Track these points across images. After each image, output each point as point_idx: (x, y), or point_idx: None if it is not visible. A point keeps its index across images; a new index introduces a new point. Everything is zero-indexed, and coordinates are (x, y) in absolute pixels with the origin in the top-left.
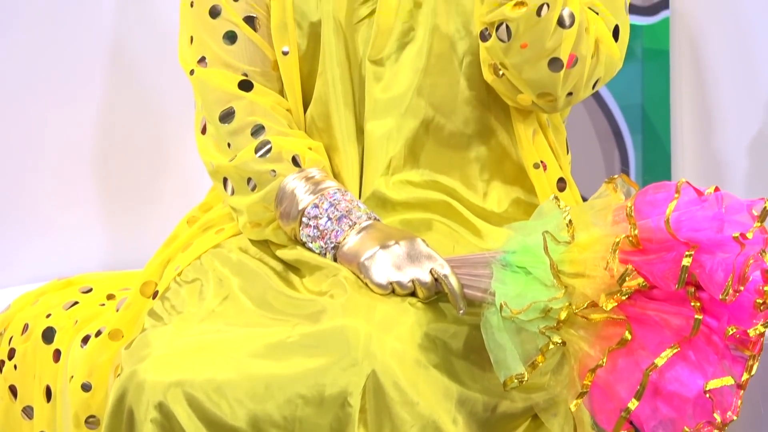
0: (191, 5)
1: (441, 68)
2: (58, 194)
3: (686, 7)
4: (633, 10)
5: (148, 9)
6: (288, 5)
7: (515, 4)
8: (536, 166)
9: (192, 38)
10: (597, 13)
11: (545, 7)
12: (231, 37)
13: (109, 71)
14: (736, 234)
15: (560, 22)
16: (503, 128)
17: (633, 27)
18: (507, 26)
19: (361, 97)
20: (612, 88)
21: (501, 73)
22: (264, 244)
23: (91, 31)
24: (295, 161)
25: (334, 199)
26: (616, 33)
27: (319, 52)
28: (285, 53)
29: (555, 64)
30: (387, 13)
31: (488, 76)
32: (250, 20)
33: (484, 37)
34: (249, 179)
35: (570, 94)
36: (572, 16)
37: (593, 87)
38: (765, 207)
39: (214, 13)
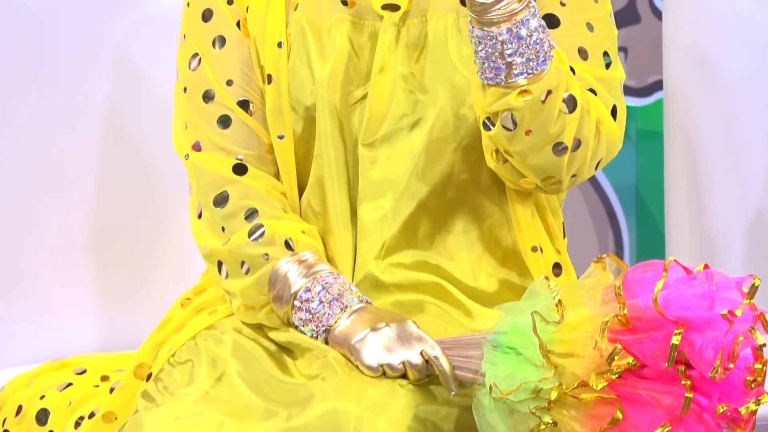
0: (184, 90)
1: (437, 152)
2: (52, 275)
3: (680, 88)
4: (627, 91)
5: (144, 83)
6: (283, 90)
7: (519, 93)
8: (534, 249)
9: (186, 123)
10: (595, 94)
11: (549, 93)
12: (225, 122)
13: (104, 148)
14: (725, 311)
15: (563, 108)
16: (500, 211)
17: (627, 108)
18: (512, 115)
19: (355, 180)
20: (606, 168)
21: (504, 160)
22: (257, 325)
23: (86, 107)
24: (287, 245)
25: (326, 283)
26: (614, 113)
27: (315, 136)
28: (280, 138)
29: (559, 148)
30: (379, 98)
31: (491, 162)
32: (244, 104)
33: (487, 126)
34: (242, 262)
35: (574, 176)
36: (574, 101)
37: (596, 167)
38: (754, 284)
39: (208, 97)
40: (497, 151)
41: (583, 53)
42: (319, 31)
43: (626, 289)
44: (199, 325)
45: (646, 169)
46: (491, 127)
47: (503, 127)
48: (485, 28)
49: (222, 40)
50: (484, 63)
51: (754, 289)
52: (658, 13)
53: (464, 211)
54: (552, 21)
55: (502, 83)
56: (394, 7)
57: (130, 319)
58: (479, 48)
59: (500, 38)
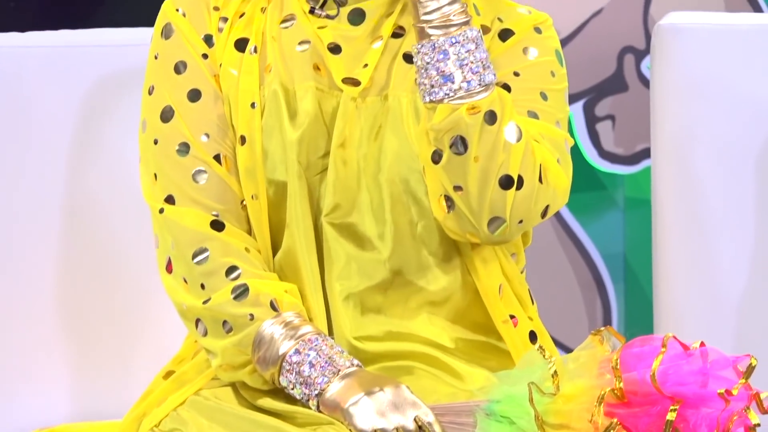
0: (155, 142)
1: (398, 233)
2: (34, 345)
3: (668, 156)
4: (615, 159)
5: (109, 161)
6: (257, 151)
7: (468, 109)
8: (505, 321)
9: (156, 175)
10: (538, 143)
11: (494, 115)
12: (201, 176)
13: (70, 222)
14: (722, 390)
15: (508, 136)
16: (465, 288)
17: (615, 176)
18: (461, 137)
19: (323, 252)
20: (594, 236)
21: (450, 205)
22: (239, 393)
23: (49, 187)
24: (272, 305)
25: (316, 345)
26: (562, 157)
27: (286, 201)
28: (254, 198)
29: (505, 181)
30: (339, 175)
31: (439, 213)
32: (219, 158)
33: (436, 158)
34: (224, 322)
35: (521, 222)
36: (519, 131)
37: (543, 215)
38: (750, 363)
39: (183, 150)
40: (445, 197)
41: (533, 115)
42: (291, 97)
43: (623, 363)
44: (181, 398)
45: (635, 237)
46: (441, 155)
47: (453, 152)
48: (433, 38)
49: (197, 94)
50: (432, 77)
51: (750, 369)
52: (645, 81)
53: (431, 290)
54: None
55: (450, 95)
56: (354, 82)
57: (113, 388)
58: (427, 60)
59: (447, 46)
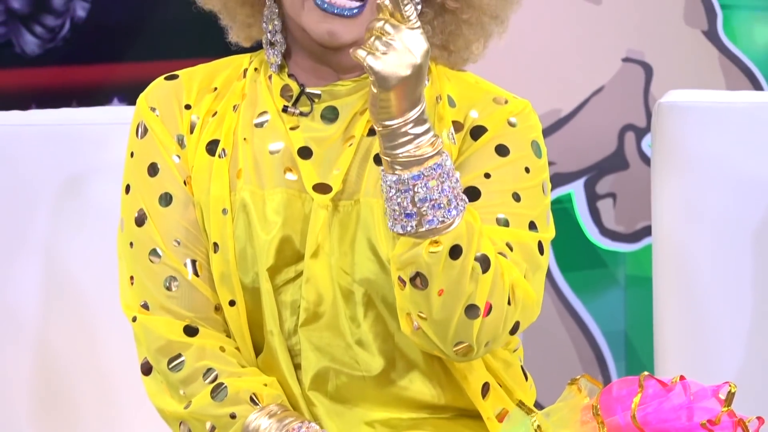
0: (131, 245)
1: (376, 338)
2: (11, 427)
3: (669, 234)
4: (616, 237)
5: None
6: (230, 258)
7: (430, 243)
8: (489, 419)
9: (132, 278)
10: (506, 257)
11: (459, 249)
12: (172, 283)
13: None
14: (704, 421)
15: (476, 267)
16: (453, 384)
17: (616, 254)
18: (421, 273)
19: (300, 360)
20: (595, 314)
21: (416, 325)
22: None
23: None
24: (253, 400)
25: None
26: (533, 264)
27: (261, 307)
28: (231, 304)
29: (471, 311)
30: (314, 284)
31: (405, 327)
32: (191, 265)
33: (400, 283)
34: (208, 423)
35: (487, 343)
36: (487, 261)
37: (513, 332)
38: (730, 390)
39: (155, 256)
40: (410, 315)
41: (503, 222)
42: (261, 204)
43: (604, 409)
44: None
45: (636, 315)
46: (404, 284)
47: (413, 286)
48: (397, 172)
49: (168, 198)
50: (395, 211)
51: (731, 396)
52: (646, 159)
53: (412, 390)
54: (473, 194)
55: (413, 231)
56: (325, 188)
57: None
58: (390, 194)
59: (411, 182)
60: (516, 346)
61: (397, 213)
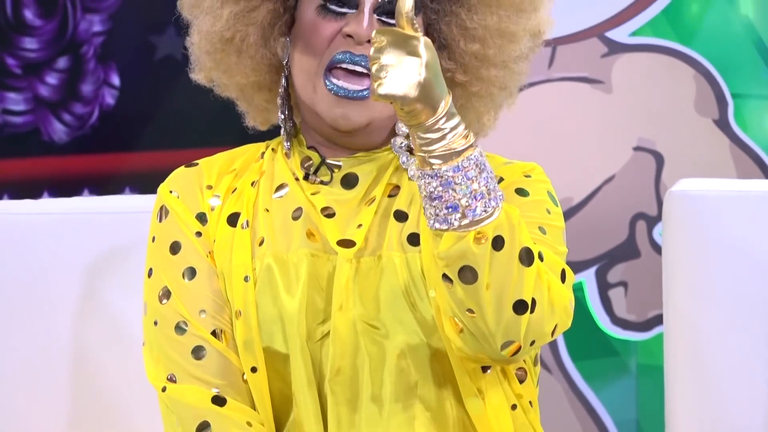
0: (155, 324)
1: (403, 389)
2: None
3: (680, 323)
4: (627, 326)
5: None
6: (253, 325)
7: (475, 238)
8: None
9: (159, 357)
10: (542, 260)
11: (502, 240)
12: (199, 352)
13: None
14: None
15: (520, 260)
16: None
17: (627, 343)
18: (470, 266)
19: (326, 416)
20: (606, 403)
21: (461, 328)
22: None
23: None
24: None
25: None
26: (562, 278)
27: (288, 371)
28: (254, 371)
29: (520, 307)
30: (341, 337)
31: (450, 332)
32: (216, 334)
33: (446, 282)
34: None
35: (533, 342)
36: (530, 254)
37: (552, 333)
38: None
39: (180, 329)
40: (454, 317)
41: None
42: (285, 267)
43: None
44: None
45: (647, 404)
46: (451, 281)
47: (462, 281)
48: (435, 167)
49: (192, 272)
50: (436, 207)
51: None
52: (657, 248)
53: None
54: None
55: (456, 224)
56: (349, 243)
57: None
58: (430, 189)
59: (451, 175)
60: (535, 386)
61: (439, 208)
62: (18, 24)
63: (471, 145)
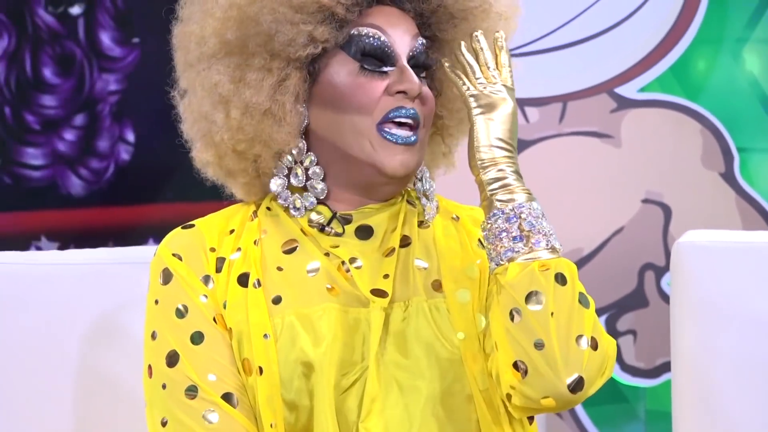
0: (163, 387)
1: (432, 419)
2: None
3: (688, 370)
4: (635, 372)
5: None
6: (275, 381)
7: (540, 267)
8: None
9: (166, 420)
10: None
11: (563, 277)
12: (211, 417)
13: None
14: None
15: (580, 300)
16: None
17: (636, 389)
18: (537, 292)
19: None
20: None
21: (525, 369)
22: None
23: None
24: None
25: None
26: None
27: (311, 424)
28: (272, 426)
29: (580, 339)
30: (375, 382)
31: (513, 381)
32: (228, 397)
33: (514, 316)
34: None
35: (593, 383)
36: (587, 300)
37: (602, 375)
38: None
39: (191, 393)
40: (517, 363)
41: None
42: (309, 322)
43: None
44: None
45: None
46: (519, 312)
47: (530, 307)
48: (501, 206)
49: (200, 336)
50: (502, 240)
51: None
52: (665, 297)
53: None
54: None
55: (521, 252)
56: (382, 293)
57: None
58: (497, 225)
59: (517, 210)
60: None
61: (506, 241)
62: (37, 82)
63: (532, 195)
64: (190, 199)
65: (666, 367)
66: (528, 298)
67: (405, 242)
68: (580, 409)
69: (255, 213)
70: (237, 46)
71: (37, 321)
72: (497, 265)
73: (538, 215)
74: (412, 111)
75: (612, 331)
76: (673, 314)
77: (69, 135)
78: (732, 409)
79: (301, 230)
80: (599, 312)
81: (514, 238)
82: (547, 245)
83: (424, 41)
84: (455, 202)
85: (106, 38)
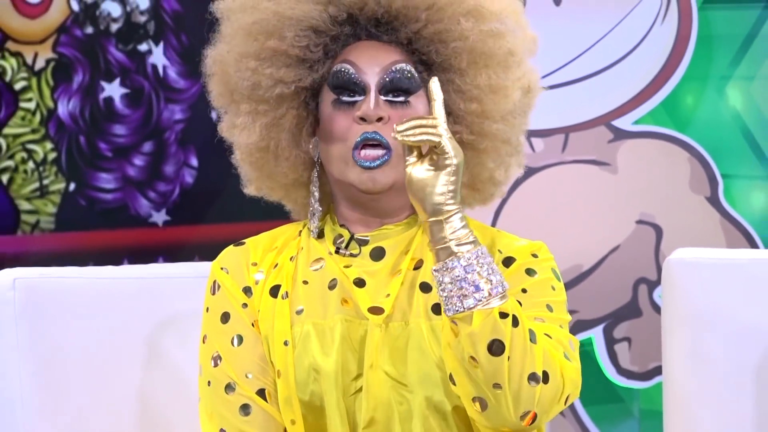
0: (208, 384)
1: (429, 428)
2: None
3: (677, 374)
4: (630, 375)
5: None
6: (291, 384)
7: (500, 314)
8: None
9: (211, 413)
10: (550, 337)
11: (516, 318)
12: (246, 409)
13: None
14: None
15: (529, 337)
16: None
17: (630, 390)
18: (499, 341)
19: None
20: None
21: (484, 405)
22: None
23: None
24: None
25: None
26: (571, 346)
27: (324, 423)
28: (293, 423)
29: (533, 378)
30: (372, 393)
31: (473, 413)
32: (261, 393)
33: (472, 363)
34: None
35: (547, 411)
36: (533, 334)
37: (565, 402)
38: None
39: (229, 389)
40: (477, 398)
41: (540, 320)
42: (322, 331)
43: None
44: None
45: None
46: (476, 360)
47: (491, 355)
48: (459, 255)
49: (240, 339)
50: (461, 289)
51: None
52: (657, 308)
53: None
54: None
55: (482, 301)
56: (379, 311)
57: None
58: (455, 274)
59: (474, 259)
60: None
61: (466, 289)
62: (109, 113)
63: (477, 241)
64: (243, 220)
65: (657, 371)
66: (490, 346)
67: (418, 265)
68: (580, 408)
69: (300, 232)
70: (226, 97)
71: (99, 327)
72: (456, 310)
73: (490, 261)
74: (372, 134)
75: (609, 338)
76: (664, 323)
77: (138, 160)
78: (717, 408)
79: (327, 249)
80: (598, 322)
81: (474, 285)
82: (502, 290)
83: (404, 66)
84: (508, 234)
85: (171, 72)
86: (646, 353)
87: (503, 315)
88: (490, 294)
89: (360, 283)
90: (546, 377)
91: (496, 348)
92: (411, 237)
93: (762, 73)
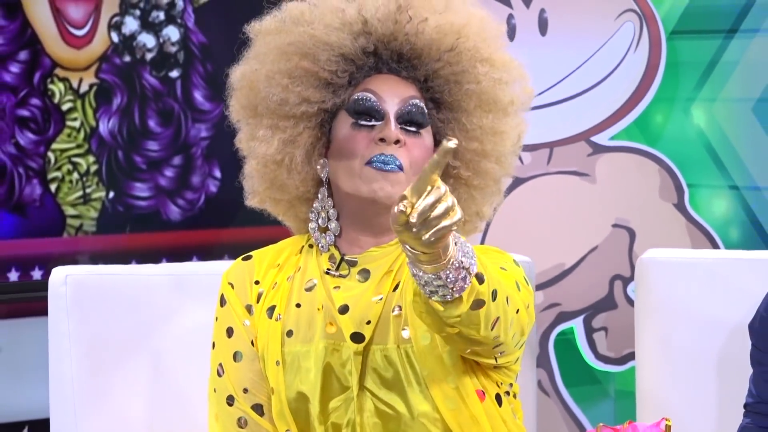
0: (215, 390)
1: None
2: None
3: (648, 359)
4: (607, 360)
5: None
6: (283, 400)
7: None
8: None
9: (217, 416)
10: (519, 289)
11: (479, 276)
12: (242, 423)
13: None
14: None
15: (500, 293)
16: None
17: (607, 374)
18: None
19: None
20: (591, 419)
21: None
22: None
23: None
24: None
25: None
26: (518, 287)
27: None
28: None
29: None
30: (353, 409)
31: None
32: (257, 408)
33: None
34: None
35: (498, 342)
36: (496, 294)
37: (516, 345)
38: (667, 424)
39: (230, 401)
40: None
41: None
42: (308, 354)
43: None
44: None
45: (623, 420)
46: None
47: (471, 310)
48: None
49: (240, 355)
50: (455, 281)
51: (668, 428)
52: (631, 302)
53: None
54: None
55: (466, 284)
56: (360, 338)
57: None
58: (447, 277)
59: (457, 262)
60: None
61: (462, 275)
62: (144, 131)
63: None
64: (261, 224)
65: (631, 356)
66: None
67: (396, 286)
68: (563, 390)
69: (302, 248)
70: (249, 110)
71: (140, 318)
72: (452, 296)
73: (467, 250)
74: (389, 157)
75: (588, 328)
76: (636, 315)
77: (169, 172)
78: (684, 390)
79: (321, 269)
80: (579, 313)
81: (463, 278)
82: (473, 257)
83: (418, 102)
84: (492, 247)
85: (198, 95)
86: (621, 341)
87: (480, 278)
88: (470, 269)
89: (343, 309)
90: (494, 296)
91: (476, 306)
92: (395, 257)
93: (723, 96)
